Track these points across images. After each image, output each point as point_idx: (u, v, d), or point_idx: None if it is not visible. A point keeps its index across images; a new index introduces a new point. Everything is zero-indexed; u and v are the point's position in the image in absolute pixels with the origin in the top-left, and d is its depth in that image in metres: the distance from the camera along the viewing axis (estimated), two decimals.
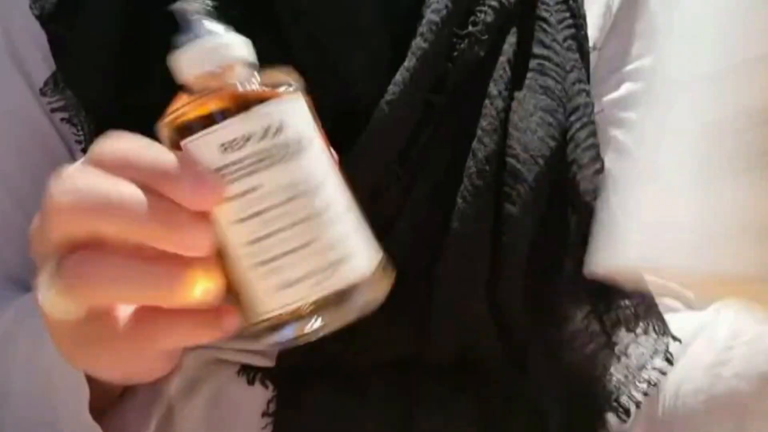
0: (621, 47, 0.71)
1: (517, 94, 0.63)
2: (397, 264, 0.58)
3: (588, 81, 0.67)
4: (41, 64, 0.64)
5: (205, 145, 0.41)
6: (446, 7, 0.62)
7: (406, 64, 0.60)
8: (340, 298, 0.42)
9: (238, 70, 0.43)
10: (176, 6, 0.44)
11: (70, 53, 0.62)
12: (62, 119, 0.63)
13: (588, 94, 0.66)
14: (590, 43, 0.69)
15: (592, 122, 0.65)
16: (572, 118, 0.65)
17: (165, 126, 0.43)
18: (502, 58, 0.63)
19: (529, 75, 0.64)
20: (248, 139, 0.41)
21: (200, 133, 0.41)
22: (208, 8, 0.44)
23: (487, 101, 0.62)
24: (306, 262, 0.41)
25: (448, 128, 0.61)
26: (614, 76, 0.71)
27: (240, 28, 0.44)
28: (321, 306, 0.42)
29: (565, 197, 0.63)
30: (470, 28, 0.63)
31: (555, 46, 0.65)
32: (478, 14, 0.63)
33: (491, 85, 0.63)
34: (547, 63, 0.65)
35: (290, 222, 0.41)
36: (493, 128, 0.61)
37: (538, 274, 0.62)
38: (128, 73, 0.60)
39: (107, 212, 0.41)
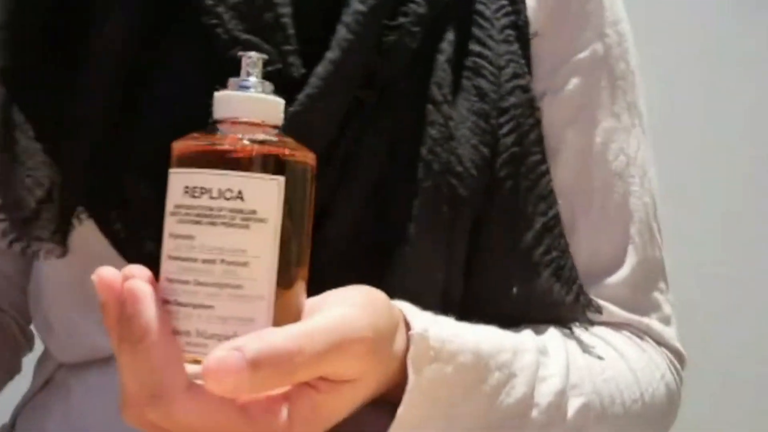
0: (568, 33, 0.67)
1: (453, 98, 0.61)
2: (329, 263, 0.56)
3: (529, 71, 0.64)
4: None
5: (176, 181, 0.45)
6: None
7: (329, 55, 0.56)
8: None
9: (256, 130, 0.46)
10: (243, 53, 0.48)
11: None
12: None
13: (524, 89, 0.62)
14: (531, 30, 0.65)
15: (521, 125, 0.62)
16: (501, 119, 0.61)
17: (173, 148, 0.47)
18: (441, 57, 0.60)
19: (465, 74, 0.62)
20: (204, 193, 0.44)
21: (180, 170, 0.45)
22: (264, 61, 0.48)
23: (430, 106, 0.59)
24: (199, 322, 0.45)
25: (382, 126, 0.59)
26: (563, 69, 0.66)
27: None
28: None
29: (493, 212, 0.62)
30: (400, 19, 0.59)
31: (489, 41, 0.62)
32: (410, 5, 0.59)
33: (434, 88, 0.60)
34: (480, 60, 0.62)
35: (201, 280, 0.44)
36: (444, 137, 0.59)
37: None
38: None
39: None
